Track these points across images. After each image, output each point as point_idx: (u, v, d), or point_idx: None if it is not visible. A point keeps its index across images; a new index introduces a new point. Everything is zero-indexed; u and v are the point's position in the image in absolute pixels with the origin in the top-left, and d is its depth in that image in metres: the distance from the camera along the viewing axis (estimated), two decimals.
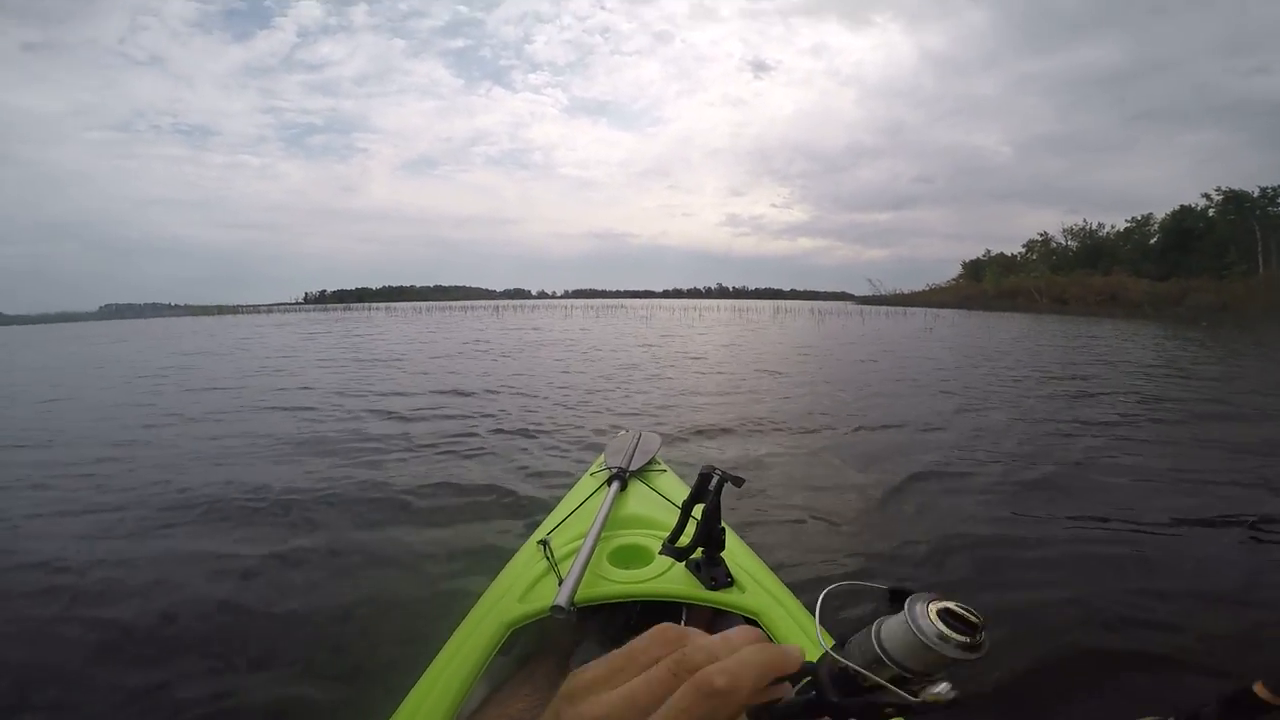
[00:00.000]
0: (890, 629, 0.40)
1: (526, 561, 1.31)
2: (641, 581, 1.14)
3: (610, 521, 1.39)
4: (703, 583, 1.14)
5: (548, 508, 1.92)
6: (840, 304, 78.32)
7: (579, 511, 1.57)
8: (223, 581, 2.26)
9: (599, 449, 2.88)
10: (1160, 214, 41.78)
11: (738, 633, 0.33)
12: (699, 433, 4.56)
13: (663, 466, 1.99)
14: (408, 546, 2.57)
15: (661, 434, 3.73)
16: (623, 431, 2.40)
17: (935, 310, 39.56)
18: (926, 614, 0.39)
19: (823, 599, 0.45)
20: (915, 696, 0.38)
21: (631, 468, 1.82)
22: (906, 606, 0.40)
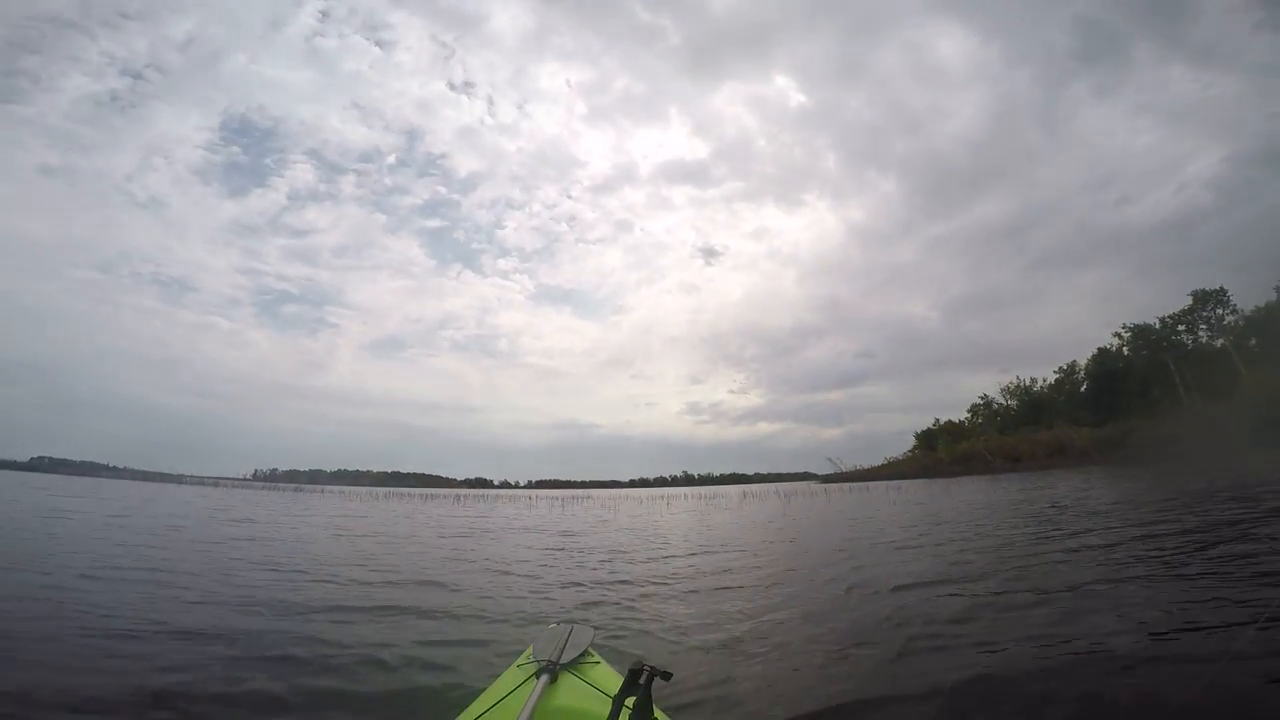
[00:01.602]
0: None
1: None
2: None
3: (539, 716, 1.35)
4: None
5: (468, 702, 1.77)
6: (804, 484, 77.98)
7: (500, 706, 1.49)
8: None
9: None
10: (1082, 360, 45.51)
11: None
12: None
13: (596, 659, 1.93)
14: None
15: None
16: (553, 625, 2.31)
17: (896, 482, 39.83)
18: None
19: None
20: None
21: (563, 660, 1.75)
22: None
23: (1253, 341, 34.02)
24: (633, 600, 5.01)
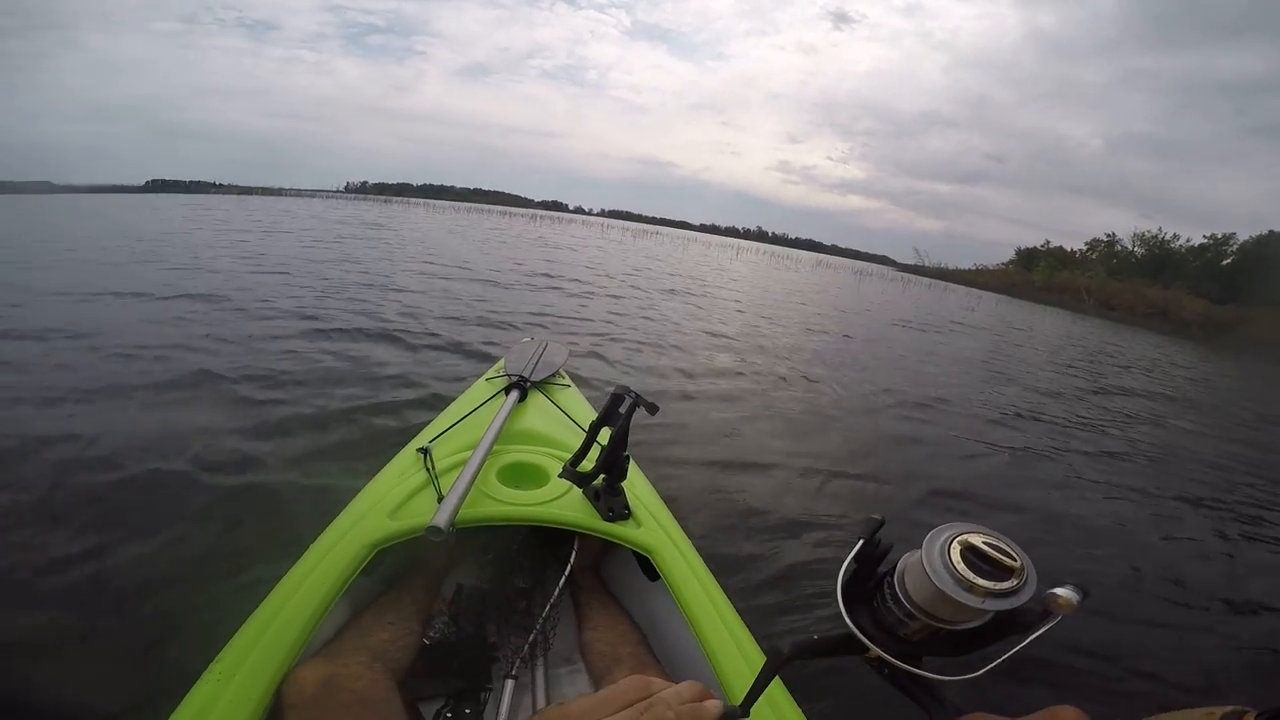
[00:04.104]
0: (911, 572, 0.34)
1: (403, 471, 1.17)
2: (534, 505, 1.05)
3: (504, 435, 1.27)
4: (600, 512, 1.06)
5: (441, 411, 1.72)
6: (881, 267, 76.17)
7: (470, 420, 1.41)
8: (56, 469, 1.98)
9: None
10: (1244, 235, 39.21)
11: (688, 689, 0.36)
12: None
13: (566, 381, 1.86)
14: (276, 440, 2.34)
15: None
16: (526, 339, 2.22)
17: (978, 291, 38.52)
18: (946, 552, 0.33)
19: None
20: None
21: (534, 378, 1.67)
22: (925, 543, 0.34)
23: None
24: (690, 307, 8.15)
